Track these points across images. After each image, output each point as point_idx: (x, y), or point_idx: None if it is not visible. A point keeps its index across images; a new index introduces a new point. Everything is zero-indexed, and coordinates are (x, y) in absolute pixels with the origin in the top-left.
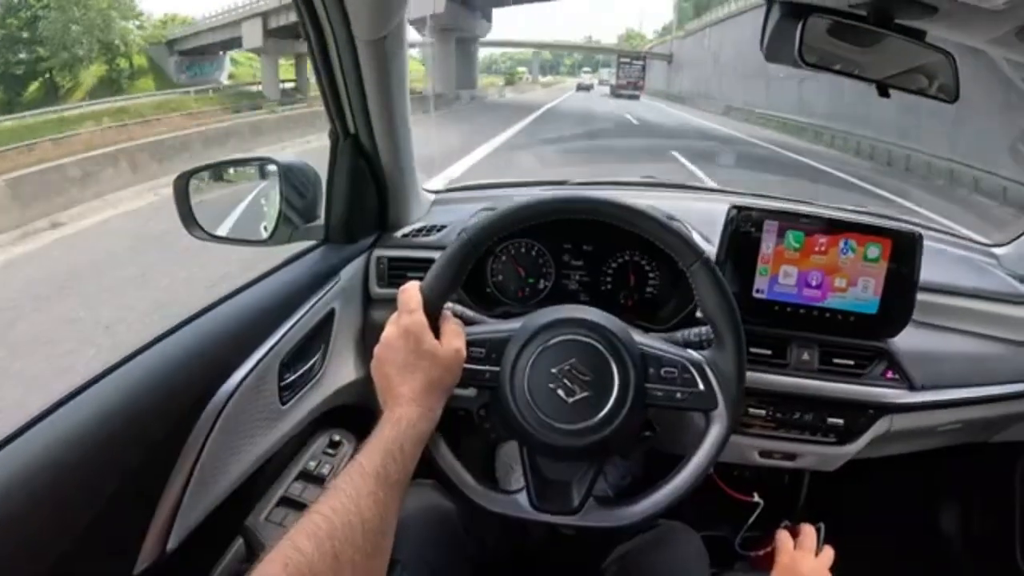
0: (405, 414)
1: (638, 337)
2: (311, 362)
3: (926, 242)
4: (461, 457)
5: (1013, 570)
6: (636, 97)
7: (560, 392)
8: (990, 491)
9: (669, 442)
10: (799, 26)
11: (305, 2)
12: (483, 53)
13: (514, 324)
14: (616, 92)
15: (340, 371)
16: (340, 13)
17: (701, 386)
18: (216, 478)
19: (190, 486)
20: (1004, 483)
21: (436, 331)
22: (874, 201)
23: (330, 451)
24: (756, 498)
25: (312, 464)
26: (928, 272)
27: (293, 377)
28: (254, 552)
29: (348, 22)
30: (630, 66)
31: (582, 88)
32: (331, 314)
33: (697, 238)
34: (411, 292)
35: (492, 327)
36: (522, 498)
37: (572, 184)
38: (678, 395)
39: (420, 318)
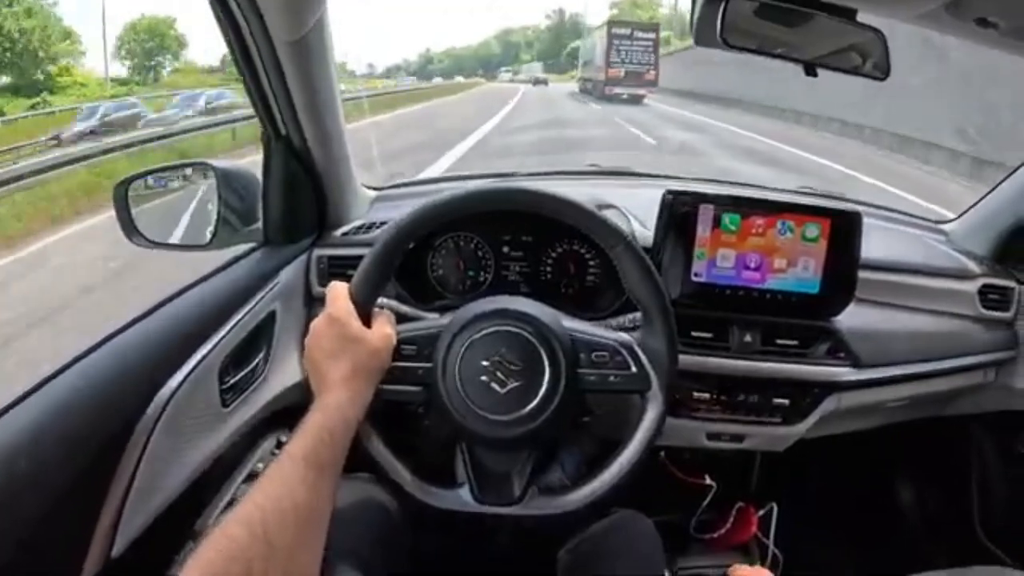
0: (333, 399)
1: (568, 323)
2: (253, 364)
3: (871, 220)
4: (411, 453)
5: (972, 542)
6: (639, 101)
7: (492, 384)
8: (945, 464)
9: (614, 429)
10: (720, 8)
11: (220, 2)
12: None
13: (443, 319)
14: (601, 92)
15: (284, 372)
16: (255, 13)
17: (633, 368)
18: (161, 482)
19: (132, 491)
20: (958, 456)
21: (369, 326)
22: None
23: (277, 452)
24: (708, 480)
25: (260, 466)
26: (873, 250)
27: (235, 379)
28: None
29: (264, 22)
30: (631, 43)
31: (539, 83)
32: (272, 315)
33: (636, 224)
34: (337, 288)
35: (422, 324)
36: (464, 492)
37: (520, 175)
38: (611, 378)
39: (344, 304)
